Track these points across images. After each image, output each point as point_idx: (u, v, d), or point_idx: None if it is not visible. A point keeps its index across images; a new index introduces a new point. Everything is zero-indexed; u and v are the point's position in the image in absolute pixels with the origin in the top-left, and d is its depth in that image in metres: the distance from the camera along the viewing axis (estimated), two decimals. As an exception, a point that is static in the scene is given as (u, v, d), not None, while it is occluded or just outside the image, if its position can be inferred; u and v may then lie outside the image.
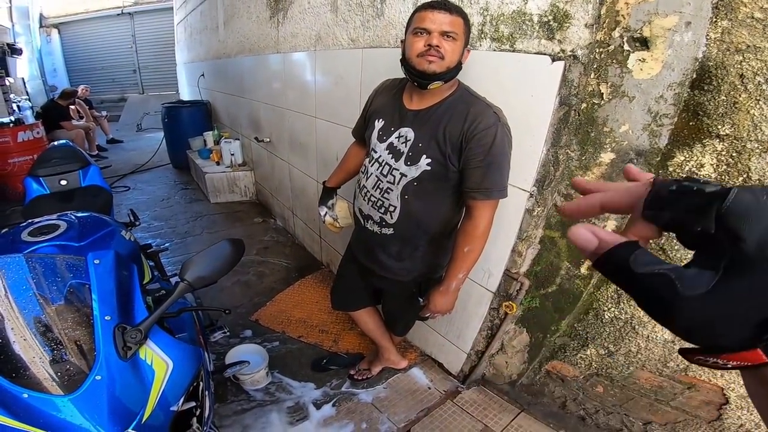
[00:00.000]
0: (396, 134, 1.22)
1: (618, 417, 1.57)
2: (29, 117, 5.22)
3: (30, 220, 1.42)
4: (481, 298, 1.68)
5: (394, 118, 1.24)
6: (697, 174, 1.12)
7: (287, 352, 2.19)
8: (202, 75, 5.33)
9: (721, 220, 0.23)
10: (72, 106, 6.02)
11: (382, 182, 1.25)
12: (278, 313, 2.51)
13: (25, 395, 0.77)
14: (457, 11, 1.08)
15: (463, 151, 1.11)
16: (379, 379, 1.99)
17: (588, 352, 1.52)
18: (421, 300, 1.42)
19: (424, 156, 1.16)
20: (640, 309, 1.19)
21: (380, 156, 1.26)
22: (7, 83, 4.81)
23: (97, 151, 6.33)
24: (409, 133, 1.19)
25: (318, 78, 2.43)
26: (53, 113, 5.59)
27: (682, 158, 1.14)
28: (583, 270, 1.41)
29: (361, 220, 1.38)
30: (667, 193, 0.27)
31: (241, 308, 2.59)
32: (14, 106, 5.00)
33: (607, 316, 1.41)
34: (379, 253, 1.38)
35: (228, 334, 1.68)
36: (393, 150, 1.23)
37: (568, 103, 1.24)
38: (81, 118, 6.25)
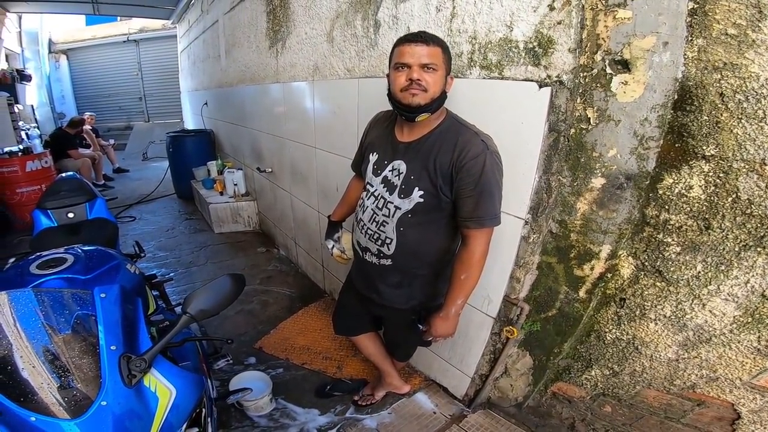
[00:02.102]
0: (389, 167, 1.25)
1: None
2: (38, 146, 5.31)
3: (38, 253, 1.47)
4: (481, 324, 1.69)
5: (387, 151, 1.27)
6: (687, 196, 1.13)
7: (291, 379, 2.19)
8: (206, 104, 5.39)
9: None
10: (80, 134, 6.10)
11: (378, 215, 1.28)
12: (282, 341, 2.52)
13: (33, 419, 0.80)
14: (435, 41, 1.10)
15: (454, 180, 1.13)
16: (383, 405, 1.98)
17: (593, 373, 1.51)
18: (421, 327, 1.43)
19: (417, 188, 1.18)
20: (641, 329, 1.18)
21: (376, 189, 1.29)
22: (17, 110, 4.83)
23: (103, 181, 6.40)
24: (401, 165, 1.22)
25: (317, 107, 2.49)
26: (61, 141, 5.64)
27: (671, 181, 1.15)
28: (582, 293, 1.42)
29: (360, 252, 1.41)
30: None
31: (245, 336, 2.60)
32: (23, 134, 5.02)
33: (609, 338, 1.41)
34: (379, 283, 1.39)
35: (231, 362, 1.69)
36: (387, 183, 1.25)
37: (557, 129, 1.26)
38: (88, 146, 6.32)
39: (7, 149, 4.29)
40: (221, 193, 4.41)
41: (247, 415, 1.94)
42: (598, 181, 1.27)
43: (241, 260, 3.75)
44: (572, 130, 1.25)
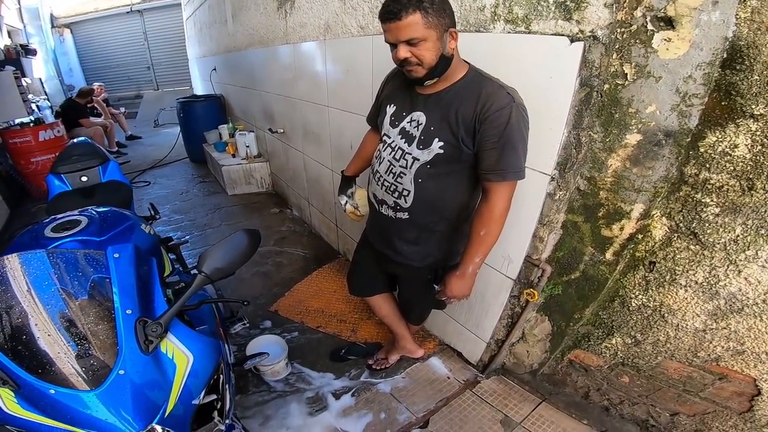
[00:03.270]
0: (408, 119, 1.21)
1: (644, 407, 1.52)
2: (49, 116, 5.39)
3: (52, 217, 1.45)
4: (500, 286, 1.64)
5: (405, 102, 1.23)
6: (731, 155, 1.06)
7: (306, 343, 2.21)
8: (214, 69, 5.35)
9: None
10: (89, 105, 6.13)
11: (395, 167, 1.24)
12: (297, 304, 2.53)
13: (52, 391, 0.78)
14: (408, 8, 0.97)
15: (476, 133, 1.08)
16: (397, 369, 1.99)
17: (613, 341, 1.47)
18: (437, 287, 1.40)
19: (437, 139, 1.14)
20: (670, 296, 1.13)
21: (393, 141, 1.25)
22: (24, 84, 4.86)
23: (117, 148, 6.45)
24: (420, 117, 1.17)
25: (329, 67, 2.39)
26: (72, 111, 5.69)
27: (714, 139, 1.08)
28: (609, 256, 1.36)
29: (376, 205, 1.37)
30: None
31: (261, 299, 2.61)
32: (33, 106, 5.09)
33: (634, 304, 1.36)
34: (395, 238, 1.36)
35: (248, 325, 1.69)
36: (405, 134, 1.21)
37: (589, 84, 1.19)
38: (99, 115, 6.36)
39: (18, 121, 4.32)
40: (233, 156, 4.43)
41: (263, 380, 1.96)
42: (633, 138, 1.19)
43: (254, 221, 3.77)
44: (606, 86, 1.18)
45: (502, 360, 1.86)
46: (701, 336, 1.25)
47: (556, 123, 1.25)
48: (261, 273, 2.93)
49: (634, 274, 1.33)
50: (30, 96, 5.22)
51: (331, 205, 2.93)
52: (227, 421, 0.99)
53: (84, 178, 2.08)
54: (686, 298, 1.24)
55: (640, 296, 1.34)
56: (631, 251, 1.31)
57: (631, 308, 1.37)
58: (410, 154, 1.20)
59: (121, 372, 0.80)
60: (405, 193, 1.24)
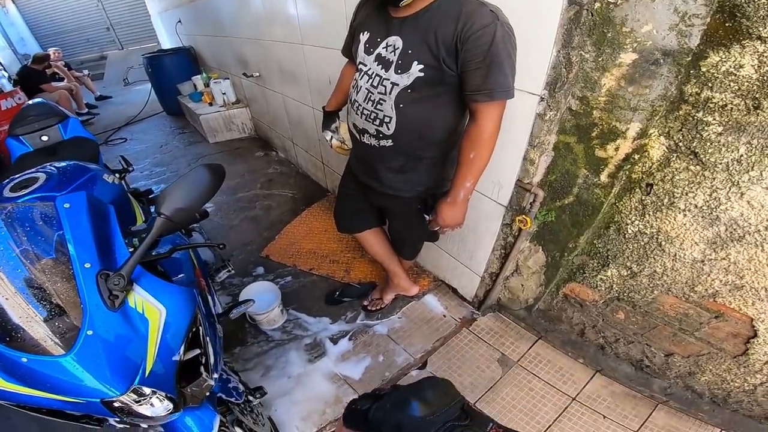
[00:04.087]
0: (383, 44, 1.12)
1: (639, 347, 1.53)
2: (6, 85, 5.16)
3: (10, 177, 1.33)
4: (492, 214, 1.58)
5: (380, 28, 1.14)
6: (735, 74, 0.97)
7: (300, 287, 2.19)
8: (179, 21, 5.01)
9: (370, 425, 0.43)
10: (49, 69, 5.77)
11: (373, 94, 1.16)
12: (288, 246, 2.48)
13: (24, 359, 0.72)
14: None
15: (459, 53, 0.99)
16: (393, 309, 1.98)
17: (608, 273, 1.44)
18: (428, 217, 1.34)
19: (416, 62, 1.06)
20: (668, 222, 0.98)
21: (369, 68, 1.17)
22: None
23: (86, 109, 6.14)
24: (397, 41, 1.09)
25: (299, 3, 2.16)
26: (30, 78, 5.41)
27: (717, 59, 0.98)
28: (603, 178, 1.28)
29: (357, 135, 1.29)
30: (351, 413, 0.46)
31: (251, 245, 2.57)
32: None
33: (630, 231, 1.30)
34: (380, 168, 1.28)
35: (233, 272, 1.63)
36: (381, 60, 1.13)
37: (578, 2, 1.08)
38: (61, 80, 6.02)
39: None
40: (210, 104, 4.32)
41: (261, 330, 1.95)
42: (628, 57, 1.09)
43: (240, 166, 3.68)
44: (597, 5, 1.08)
45: (497, 295, 1.85)
46: (699, 268, 1.22)
47: (544, 42, 1.15)
48: (249, 218, 2.87)
49: (630, 198, 1.26)
50: None
51: (316, 143, 2.84)
52: (215, 375, 0.95)
53: (45, 138, 1.94)
54: (685, 224, 1.19)
55: (637, 222, 1.28)
56: (627, 173, 1.24)
57: (627, 236, 1.32)
58: (388, 79, 1.12)
59: (89, 332, 0.73)
60: (386, 120, 1.16)
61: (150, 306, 0.81)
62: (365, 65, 1.18)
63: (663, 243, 1.25)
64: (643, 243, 1.30)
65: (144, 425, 0.86)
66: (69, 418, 0.86)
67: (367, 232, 1.67)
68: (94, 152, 1.88)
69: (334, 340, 1.87)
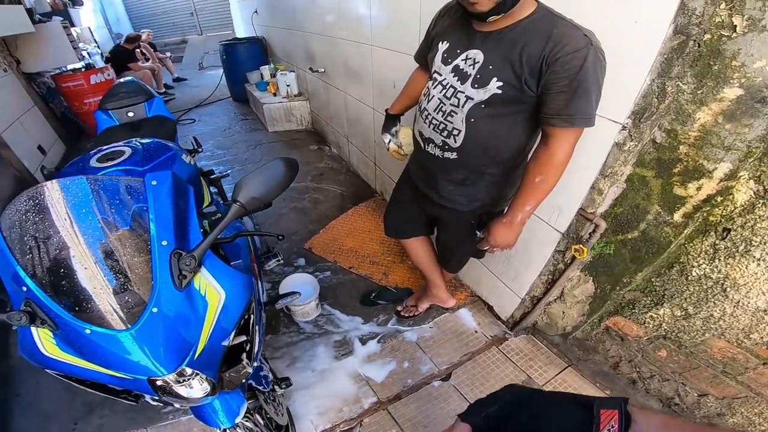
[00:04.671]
0: (463, 56, 1.08)
1: (673, 385, 1.42)
2: (99, 62, 5.67)
3: (98, 148, 1.45)
4: (546, 239, 1.51)
5: (461, 40, 1.09)
6: None
7: (338, 284, 2.21)
8: (255, 12, 5.22)
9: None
10: (137, 50, 6.21)
11: (445, 105, 1.13)
12: (331, 242, 2.52)
13: (88, 331, 0.73)
14: None
15: (543, 74, 0.95)
16: (425, 318, 1.96)
17: (660, 312, 1.34)
18: (479, 233, 1.31)
19: (495, 79, 1.02)
20: (738, 269, 0.88)
21: (444, 79, 1.13)
22: (74, 33, 5.02)
23: (164, 89, 6.56)
24: (477, 55, 1.04)
25: (373, 4, 2.18)
26: (120, 57, 5.86)
27: None
28: (677, 217, 1.19)
29: (422, 144, 1.28)
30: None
31: (296, 235, 2.63)
32: (84, 53, 5.31)
33: (694, 273, 1.21)
34: (440, 178, 1.27)
35: (282, 262, 1.68)
36: (458, 72, 1.09)
37: (686, 32, 1.00)
38: (147, 60, 6.45)
39: (70, 67, 4.56)
40: (274, 95, 4.48)
41: (294, 320, 1.98)
42: (732, 92, 1.00)
43: (294, 157, 3.77)
44: (707, 36, 0.99)
45: (534, 319, 1.78)
46: (760, 316, 1.11)
47: (637, 70, 1.08)
48: (298, 209, 2.94)
49: (703, 241, 1.16)
50: (80, 44, 5.42)
51: (371, 144, 2.85)
52: (255, 364, 0.96)
53: (130, 114, 2.09)
54: (755, 273, 1.08)
55: (704, 265, 1.18)
56: (705, 214, 1.14)
57: (690, 278, 1.22)
58: (463, 92, 1.08)
59: (155, 310, 0.75)
60: (455, 132, 1.14)
61: (212, 289, 0.83)
62: (440, 75, 1.15)
63: (728, 289, 1.15)
64: (706, 287, 1.20)
65: (177, 405, 0.85)
66: (109, 392, 0.87)
67: (415, 240, 1.66)
68: (172, 131, 2.00)
69: (363, 341, 1.87)
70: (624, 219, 1.31)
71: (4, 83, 3.43)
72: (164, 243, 0.81)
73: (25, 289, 0.74)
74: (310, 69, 3.54)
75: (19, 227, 0.78)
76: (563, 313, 1.66)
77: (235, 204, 0.85)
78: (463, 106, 1.09)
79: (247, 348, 0.92)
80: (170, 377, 0.76)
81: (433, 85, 1.18)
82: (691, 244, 1.19)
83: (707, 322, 1.23)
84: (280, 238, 1.09)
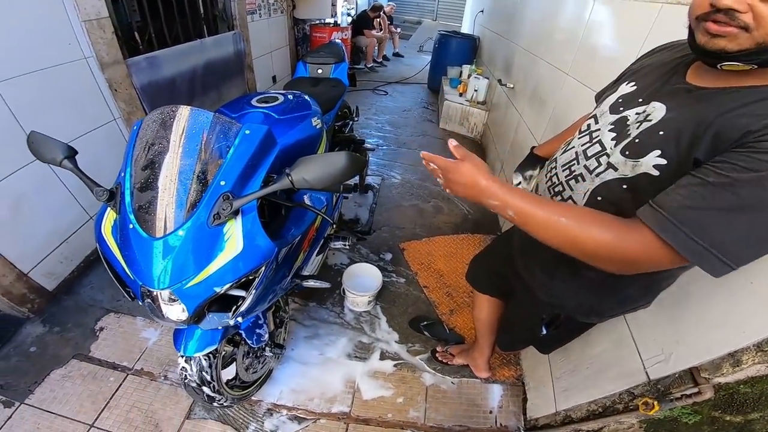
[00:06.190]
0: (640, 108, 0.75)
1: None
2: (344, 22, 6.63)
3: (262, 91, 1.68)
4: (628, 374, 1.12)
5: (653, 85, 0.76)
6: None
7: (403, 294, 2.15)
8: (481, 11, 5.18)
9: None
10: (377, 19, 6.92)
11: (578, 164, 0.84)
12: (425, 254, 2.44)
13: (131, 225, 0.84)
14: None
15: (718, 152, 0.59)
16: (456, 371, 1.76)
17: None
18: (545, 331, 1.09)
19: (656, 151, 0.67)
20: None
21: (598, 129, 0.83)
22: None
23: (381, 60, 7.20)
24: (658, 111, 0.70)
25: (588, 28, 1.86)
26: (361, 22, 6.64)
27: None
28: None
29: None
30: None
31: (400, 231, 2.62)
32: (338, 11, 6.21)
33: None
34: (530, 252, 1.03)
35: (348, 247, 1.70)
36: (620, 128, 0.77)
37: None
38: (380, 30, 7.11)
39: (326, 20, 5.34)
40: (461, 95, 4.43)
41: (342, 303, 2.01)
42: None
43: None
44: None
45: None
46: None
47: None
48: (418, 208, 2.92)
49: None
50: (340, 2, 6.32)
51: (521, 180, 2.56)
52: (238, 319, 1.00)
53: (320, 71, 2.36)
54: None
55: None
56: None
57: None
58: (608, 155, 0.77)
59: (181, 233, 0.83)
60: (569, 203, 0.84)
61: (234, 239, 0.88)
62: (596, 123, 0.85)
63: None
64: None
65: (156, 319, 0.95)
66: (121, 284, 0.97)
67: (487, 298, 1.47)
68: (340, 94, 2.17)
69: (383, 356, 1.79)
70: (740, 400, 0.85)
71: (278, 22, 4.18)
72: (222, 183, 0.88)
73: (123, 174, 0.91)
74: (499, 81, 3.36)
75: (148, 128, 0.96)
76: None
77: (286, 176, 0.86)
78: (598, 175, 0.78)
79: (239, 304, 0.97)
80: (158, 293, 0.86)
81: (580, 133, 0.89)
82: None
83: None
84: (333, 224, 1.09)
